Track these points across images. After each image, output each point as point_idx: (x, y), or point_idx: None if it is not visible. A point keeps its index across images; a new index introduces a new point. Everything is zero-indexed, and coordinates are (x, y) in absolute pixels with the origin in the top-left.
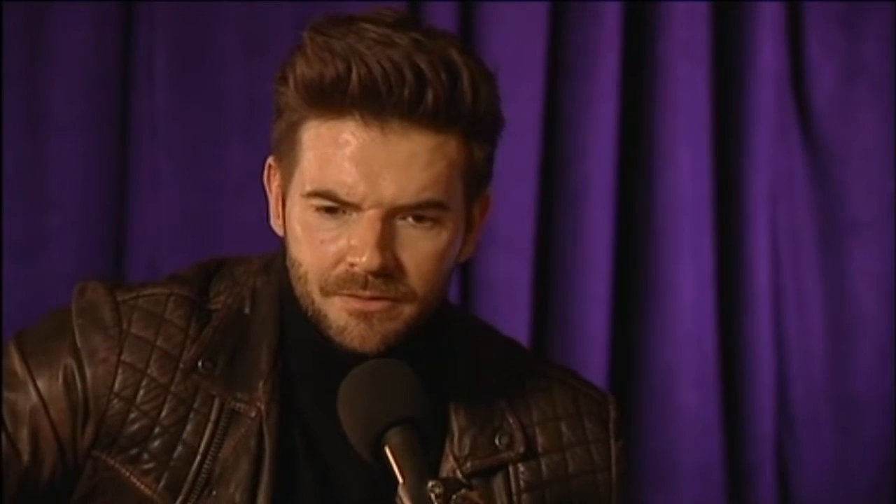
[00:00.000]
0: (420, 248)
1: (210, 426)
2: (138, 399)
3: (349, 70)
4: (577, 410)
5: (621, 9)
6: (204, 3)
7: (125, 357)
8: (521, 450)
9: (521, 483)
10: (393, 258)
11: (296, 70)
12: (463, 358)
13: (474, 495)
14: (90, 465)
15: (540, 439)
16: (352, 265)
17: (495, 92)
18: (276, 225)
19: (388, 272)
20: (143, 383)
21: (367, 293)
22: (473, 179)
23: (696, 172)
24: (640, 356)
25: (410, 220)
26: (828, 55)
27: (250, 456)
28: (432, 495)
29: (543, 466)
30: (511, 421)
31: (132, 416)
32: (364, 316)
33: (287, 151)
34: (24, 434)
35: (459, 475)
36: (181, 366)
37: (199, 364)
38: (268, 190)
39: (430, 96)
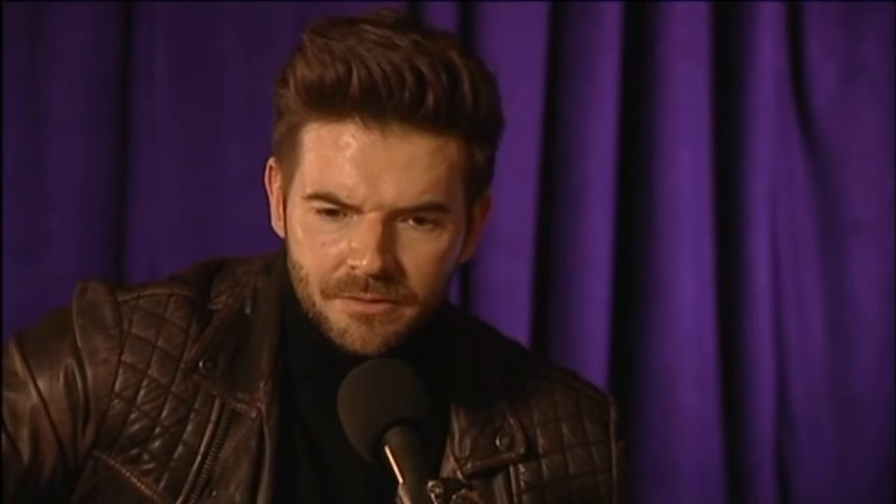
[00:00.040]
0: (421, 250)
1: (211, 426)
2: (139, 399)
3: (349, 72)
4: (578, 412)
5: (621, 9)
6: (204, 3)
7: (126, 357)
8: (522, 451)
9: (522, 484)
10: (394, 261)
11: (296, 72)
12: (463, 358)
13: (474, 495)
14: (90, 466)
15: (541, 440)
16: (353, 268)
17: (496, 93)
18: (277, 226)
19: (389, 275)
20: (144, 384)
21: (368, 296)
22: (474, 181)
23: (696, 172)
24: (640, 356)
25: (411, 222)
26: (828, 55)
27: (251, 456)
28: (432, 495)
29: (544, 467)
30: (512, 422)
31: (133, 416)
32: (365, 318)
33: (288, 153)
34: (24, 434)
35: (460, 476)
36: (182, 366)
37: (200, 364)
38: (269, 191)
39: (430, 99)
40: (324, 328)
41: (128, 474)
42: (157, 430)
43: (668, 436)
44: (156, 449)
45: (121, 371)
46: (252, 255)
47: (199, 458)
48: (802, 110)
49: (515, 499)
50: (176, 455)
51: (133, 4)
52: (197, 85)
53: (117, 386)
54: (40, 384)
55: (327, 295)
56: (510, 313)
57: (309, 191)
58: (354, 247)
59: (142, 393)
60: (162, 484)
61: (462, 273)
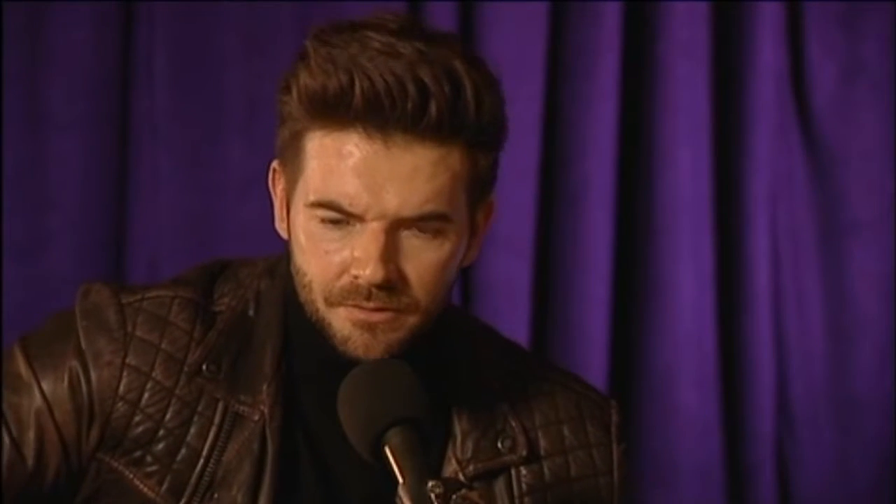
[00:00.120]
0: (423, 259)
1: (214, 429)
2: (143, 402)
3: (352, 83)
4: (580, 414)
5: (621, 9)
6: (204, 3)
7: (130, 360)
8: (524, 453)
9: (524, 486)
10: (396, 270)
11: (299, 81)
12: (464, 360)
13: (474, 495)
14: (94, 468)
15: (542, 443)
16: (356, 277)
17: (499, 101)
18: (280, 228)
19: (392, 284)
20: (148, 386)
21: (371, 304)
22: (477, 188)
23: (696, 172)
24: (640, 356)
25: (414, 231)
26: (828, 55)
27: (253, 459)
28: (432, 495)
29: (546, 470)
30: (514, 424)
31: (137, 418)
32: (368, 326)
33: (291, 158)
34: (29, 438)
35: (462, 478)
36: (186, 369)
37: (204, 367)
38: (272, 193)
39: (433, 109)
40: (327, 334)
41: (131, 476)
42: (161, 432)
43: (668, 436)
44: (159, 451)
45: (125, 374)
46: (255, 257)
47: (201, 460)
48: (802, 110)
49: (517, 501)
50: (179, 457)
51: (133, 4)
52: (197, 85)
53: (121, 388)
54: (45, 386)
55: (330, 303)
56: (510, 313)
57: (312, 198)
58: (357, 256)
59: (146, 395)
60: (164, 486)
61: (462, 273)
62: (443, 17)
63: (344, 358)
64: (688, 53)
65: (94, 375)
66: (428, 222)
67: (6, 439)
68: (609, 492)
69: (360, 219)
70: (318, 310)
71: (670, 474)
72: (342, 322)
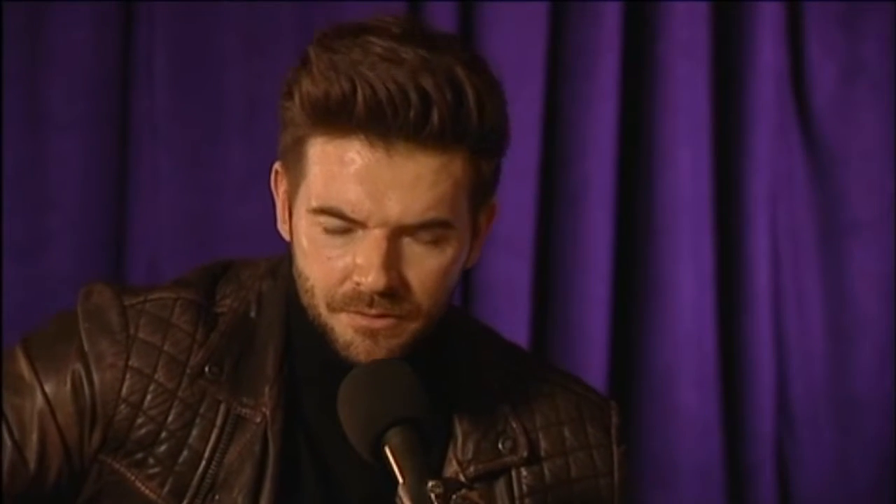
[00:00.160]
0: (425, 265)
1: (216, 431)
2: (145, 404)
3: (354, 91)
4: (580, 415)
5: (621, 9)
6: (204, 3)
7: (133, 362)
8: (525, 454)
9: (524, 487)
10: (398, 277)
11: (301, 87)
12: (465, 361)
13: (474, 495)
14: (95, 469)
15: (543, 444)
16: (358, 284)
17: (502, 106)
18: (282, 229)
19: (394, 291)
20: (151, 388)
21: (373, 311)
22: (479, 193)
23: (696, 172)
24: (640, 356)
25: (416, 237)
26: (828, 55)
27: (254, 461)
28: (432, 495)
29: (546, 471)
30: (514, 425)
31: (139, 421)
32: (370, 333)
33: (294, 163)
34: (31, 440)
35: (462, 479)
36: (188, 371)
37: (206, 369)
38: (275, 194)
39: (435, 117)
40: (329, 339)
41: (132, 478)
42: (163, 434)
43: (668, 436)
44: (161, 453)
45: (128, 376)
46: (257, 258)
47: (203, 462)
48: (802, 110)
49: (517, 502)
50: (181, 459)
51: (133, 4)
52: (197, 85)
53: (124, 391)
54: (47, 389)
55: (333, 308)
56: (510, 313)
57: (314, 204)
58: (359, 263)
59: (148, 398)
60: (166, 488)
61: (463, 274)
62: (443, 17)
63: (346, 362)
64: (688, 53)
65: (96, 378)
66: (430, 229)
67: (8, 441)
68: (609, 493)
69: (362, 225)
70: (320, 314)
71: (670, 474)
72: (344, 328)
